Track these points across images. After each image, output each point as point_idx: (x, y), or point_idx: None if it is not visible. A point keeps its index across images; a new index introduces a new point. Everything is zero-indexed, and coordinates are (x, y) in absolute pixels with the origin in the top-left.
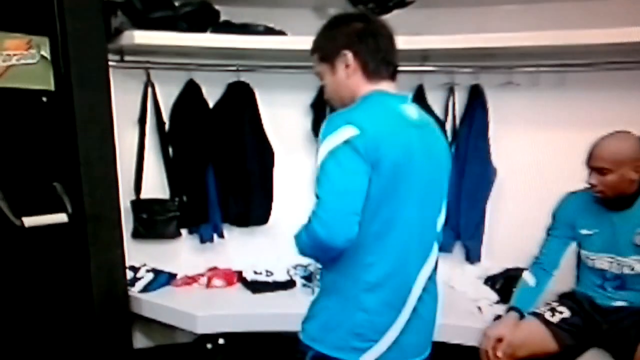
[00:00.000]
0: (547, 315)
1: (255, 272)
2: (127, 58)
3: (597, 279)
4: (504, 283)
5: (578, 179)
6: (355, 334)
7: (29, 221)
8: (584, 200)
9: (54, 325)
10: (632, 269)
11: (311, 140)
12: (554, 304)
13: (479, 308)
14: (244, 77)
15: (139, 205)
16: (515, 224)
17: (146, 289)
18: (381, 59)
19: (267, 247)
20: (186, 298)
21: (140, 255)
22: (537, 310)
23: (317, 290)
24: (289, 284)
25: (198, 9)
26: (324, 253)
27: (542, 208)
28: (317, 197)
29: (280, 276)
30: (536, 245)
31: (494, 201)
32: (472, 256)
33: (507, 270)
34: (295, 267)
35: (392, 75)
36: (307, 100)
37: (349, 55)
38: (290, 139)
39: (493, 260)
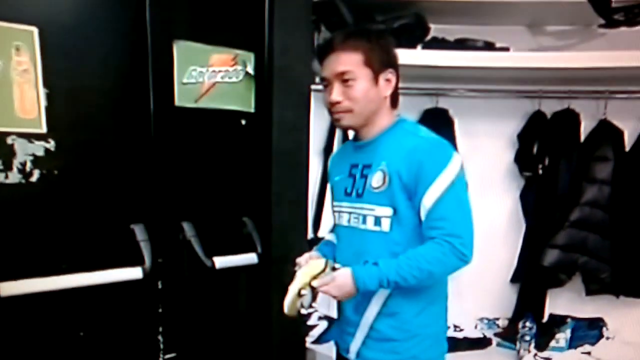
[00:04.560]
0: None
1: None
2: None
3: None
4: None
5: None
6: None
7: (220, 262)
8: None
9: None
10: None
11: (511, 176)
12: None
13: None
14: (443, 103)
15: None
16: None
17: (320, 339)
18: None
19: (451, 296)
20: None
21: None
22: None
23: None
24: (484, 342)
25: (413, 22)
26: (451, 272)
27: None
28: (448, 219)
29: (470, 331)
30: None
31: None
32: None
33: None
34: (481, 320)
35: None
36: (512, 129)
37: (394, 74)
38: (487, 174)
39: None
